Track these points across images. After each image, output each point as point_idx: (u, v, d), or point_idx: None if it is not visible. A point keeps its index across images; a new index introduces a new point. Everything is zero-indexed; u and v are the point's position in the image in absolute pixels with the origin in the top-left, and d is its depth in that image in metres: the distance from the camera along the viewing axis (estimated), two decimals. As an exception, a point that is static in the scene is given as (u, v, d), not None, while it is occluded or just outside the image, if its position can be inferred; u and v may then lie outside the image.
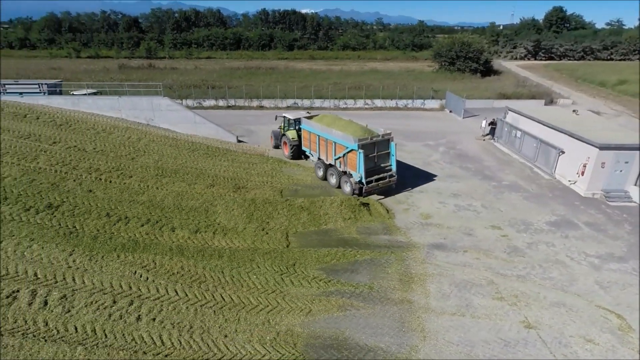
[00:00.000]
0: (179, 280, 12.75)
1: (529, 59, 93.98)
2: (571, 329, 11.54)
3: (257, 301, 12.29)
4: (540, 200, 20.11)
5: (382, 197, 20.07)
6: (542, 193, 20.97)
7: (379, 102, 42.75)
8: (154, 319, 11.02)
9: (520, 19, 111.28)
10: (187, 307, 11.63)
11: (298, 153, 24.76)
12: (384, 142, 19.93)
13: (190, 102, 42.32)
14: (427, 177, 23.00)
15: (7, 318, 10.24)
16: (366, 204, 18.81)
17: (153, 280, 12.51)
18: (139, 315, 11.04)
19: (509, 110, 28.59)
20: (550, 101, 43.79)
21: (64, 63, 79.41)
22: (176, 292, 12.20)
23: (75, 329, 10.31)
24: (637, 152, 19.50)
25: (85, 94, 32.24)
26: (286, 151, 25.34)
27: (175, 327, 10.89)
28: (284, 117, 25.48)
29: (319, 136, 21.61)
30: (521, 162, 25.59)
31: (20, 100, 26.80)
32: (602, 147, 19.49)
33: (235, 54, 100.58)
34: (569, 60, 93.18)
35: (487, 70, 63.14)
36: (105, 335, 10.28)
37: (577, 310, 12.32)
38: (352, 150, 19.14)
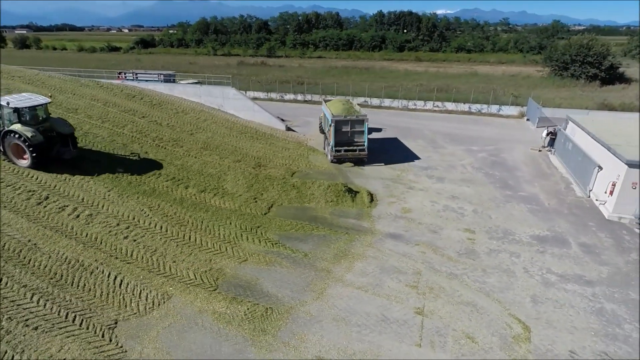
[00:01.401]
0: (168, 220, 16.83)
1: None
2: (461, 324, 11.69)
3: (212, 245, 15.54)
4: (547, 215, 18.46)
5: (353, 165, 24.65)
6: (557, 209, 19.08)
7: (450, 106, 41.43)
8: (134, 240, 15.23)
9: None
10: (160, 238, 15.58)
11: (321, 129, 29.47)
12: (359, 122, 24.04)
13: (274, 94, 47.95)
14: (439, 178, 22.87)
15: (54, 219, 15.65)
16: (355, 192, 20.30)
17: (151, 217, 16.85)
18: (127, 236, 15.38)
19: (570, 120, 25.56)
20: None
21: (202, 59, 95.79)
22: (161, 227, 16.28)
23: (86, 235, 15.13)
24: (683, 175, 16.34)
25: (188, 83, 40.27)
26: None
27: (145, 248, 14.89)
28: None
29: (324, 114, 26.00)
30: (564, 177, 23.03)
31: (137, 85, 35.36)
32: (632, 165, 16.91)
33: (344, 54, 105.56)
34: None
35: (611, 78, 53.65)
36: (100, 242, 14.84)
37: (483, 312, 12.20)
38: (331, 124, 23.75)
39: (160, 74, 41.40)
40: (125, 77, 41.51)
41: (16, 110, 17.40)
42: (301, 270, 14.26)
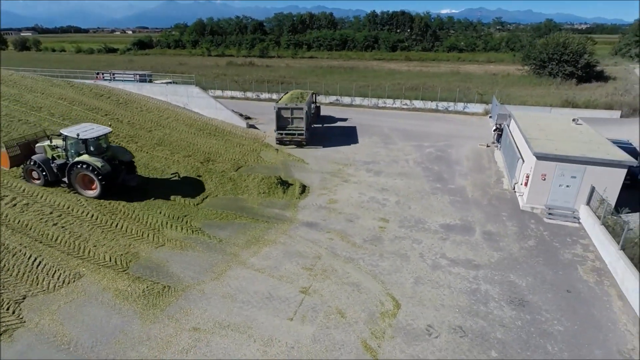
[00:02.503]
0: (101, 209, 17.93)
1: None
2: (337, 302, 12.62)
3: (135, 232, 16.61)
4: (465, 206, 19.29)
5: (295, 146, 28.50)
6: (477, 200, 19.90)
7: (418, 104, 42.22)
8: (62, 227, 16.35)
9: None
10: (88, 225, 16.69)
11: None
12: (299, 109, 27.64)
13: (250, 94, 49.09)
14: (378, 172, 23.76)
15: (-9, 208, 16.87)
16: (289, 185, 21.29)
17: (86, 206, 17.98)
18: (56, 223, 16.51)
19: (511, 116, 26.27)
20: (631, 113, 36.32)
21: (195, 60, 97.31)
22: (92, 215, 17.40)
23: (18, 221, 16.28)
24: (585, 166, 17.09)
25: (162, 83, 41.50)
26: None
27: (71, 234, 15.99)
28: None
29: None
30: (499, 171, 23.83)
31: (108, 84, 36.66)
32: (540, 157, 17.69)
33: (336, 54, 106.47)
34: None
35: (587, 76, 53.94)
36: (30, 228, 15.99)
37: (364, 292, 13.12)
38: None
39: (136, 74, 42.71)
40: (103, 77, 42.91)
41: (84, 141, 17.72)
42: (210, 254, 15.28)
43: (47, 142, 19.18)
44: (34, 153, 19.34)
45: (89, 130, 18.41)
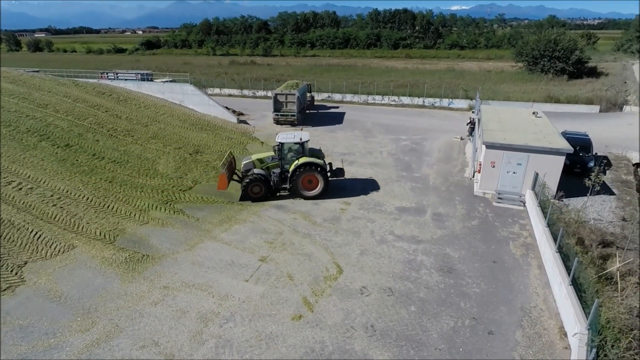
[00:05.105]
0: (96, 193, 20.22)
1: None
2: (289, 268, 14.61)
3: (124, 211, 18.85)
4: (424, 191, 21.08)
5: (289, 125, 33.92)
6: (437, 187, 21.66)
7: (406, 100, 43.85)
8: (61, 207, 18.67)
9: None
10: (84, 206, 18.97)
11: None
12: (292, 95, 33.74)
13: (246, 92, 51.29)
14: (352, 162, 25.63)
15: (0, 190, 19.27)
16: (267, 173, 23.32)
17: (82, 190, 20.31)
18: (55, 204, 18.84)
19: (480, 109, 27.85)
20: (610, 107, 37.42)
21: (200, 59, 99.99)
22: (87, 198, 19.69)
23: (23, 202, 18.65)
24: (528, 154, 18.74)
25: (163, 81, 43.94)
26: None
27: (67, 213, 18.29)
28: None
29: None
30: (465, 161, 25.50)
31: (110, 83, 39.18)
32: (488, 146, 19.38)
33: (337, 53, 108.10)
34: None
35: (579, 72, 54.76)
36: (32, 208, 18.33)
37: (314, 260, 15.08)
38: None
39: (138, 73, 45.25)
40: (107, 76, 45.57)
41: (302, 145, 19.41)
42: (187, 230, 17.41)
43: (251, 159, 20.63)
44: (234, 172, 20.88)
45: (295, 136, 19.71)
